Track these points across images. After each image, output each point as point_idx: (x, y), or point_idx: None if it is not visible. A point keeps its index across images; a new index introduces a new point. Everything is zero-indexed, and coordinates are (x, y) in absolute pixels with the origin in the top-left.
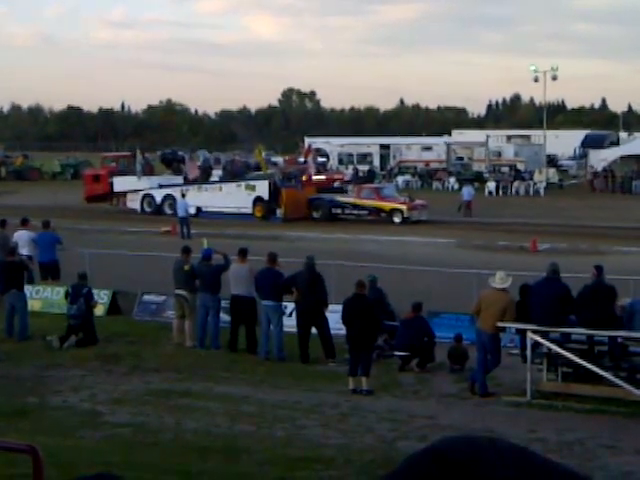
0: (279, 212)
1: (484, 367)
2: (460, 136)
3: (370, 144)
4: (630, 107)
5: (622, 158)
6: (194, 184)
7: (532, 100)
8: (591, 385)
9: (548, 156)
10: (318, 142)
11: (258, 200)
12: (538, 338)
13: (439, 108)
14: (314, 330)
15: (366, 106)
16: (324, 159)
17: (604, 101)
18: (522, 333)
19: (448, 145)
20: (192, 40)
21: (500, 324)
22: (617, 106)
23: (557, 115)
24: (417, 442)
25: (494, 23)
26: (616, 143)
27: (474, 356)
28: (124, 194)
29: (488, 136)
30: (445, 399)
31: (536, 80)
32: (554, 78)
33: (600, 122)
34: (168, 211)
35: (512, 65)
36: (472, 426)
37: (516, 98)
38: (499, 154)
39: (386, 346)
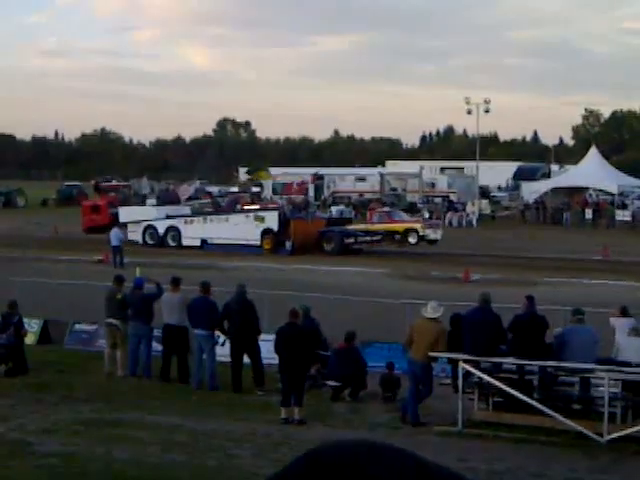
0: (288, 244)
1: (416, 397)
2: (394, 167)
3: (304, 174)
4: (561, 140)
5: (553, 190)
6: (199, 215)
7: (465, 132)
8: (522, 414)
9: (481, 187)
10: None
11: (267, 232)
12: (469, 368)
13: (373, 139)
14: (248, 360)
15: (301, 136)
16: (258, 189)
17: (536, 134)
18: (454, 363)
19: (382, 176)
20: (126, 69)
21: (432, 354)
22: (549, 139)
23: (490, 147)
24: None
25: (427, 55)
26: (547, 175)
27: (406, 385)
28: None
29: (422, 167)
30: (377, 428)
31: (469, 112)
32: (487, 111)
33: (532, 154)
34: (171, 243)
35: (445, 97)
36: None
37: (449, 130)
38: (433, 185)
39: (319, 375)
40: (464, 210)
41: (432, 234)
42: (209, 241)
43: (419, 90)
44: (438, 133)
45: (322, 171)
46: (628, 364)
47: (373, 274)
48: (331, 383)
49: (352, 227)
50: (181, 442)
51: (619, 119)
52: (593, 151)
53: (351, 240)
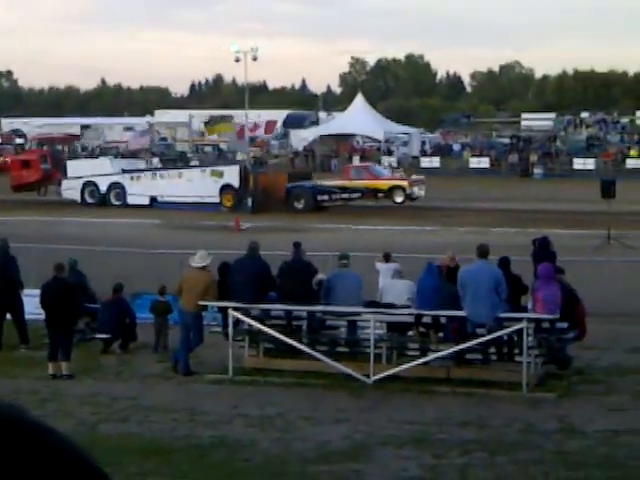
0: (248, 201)
1: (187, 346)
2: (163, 116)
3: (71, 124)
4: (329, 88)
5: (321, 137)
6: (147, 170)
7: (234, 80)
8: (291, 359)
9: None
10: (16, 122)
11: (226, 188)
12: (239, 315)
13: (142, 88)
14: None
15: (66, 85)
16: (22, 140)
17: (304, 82)
18: (224, 311)
19: (151, 125)
20: None
21: (202, 302)
22: (317, 87)
23: (259, 95)
24: (119, 424)
25: (195, 1)
26: (316, 123)
27: (177, 335)
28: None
29: (191, 116)
30: (148, 379)
31: (237, 60)
32: (254, 59)
33: (301, 102)
34: (115, 202)
35: (214, 45)
36: (175, 405)
37: (219, 78)
38: (202, 134)
39: (87, 329)
40: (235, 158)
41: (417, 191)
42: (159, 199)
43: (188, 37)
44: (207, 82)
45: (88, 121)
46: (393, 306)
47: (143, 225)
48: (100, 336)
49: (326, 183)
50: None
51: (384, 67)
52: (359, 98)
53: (325, 197)
